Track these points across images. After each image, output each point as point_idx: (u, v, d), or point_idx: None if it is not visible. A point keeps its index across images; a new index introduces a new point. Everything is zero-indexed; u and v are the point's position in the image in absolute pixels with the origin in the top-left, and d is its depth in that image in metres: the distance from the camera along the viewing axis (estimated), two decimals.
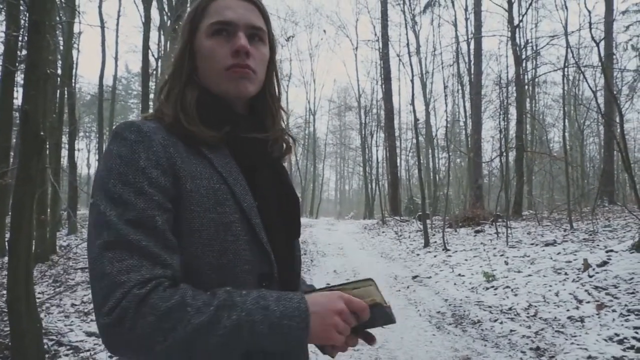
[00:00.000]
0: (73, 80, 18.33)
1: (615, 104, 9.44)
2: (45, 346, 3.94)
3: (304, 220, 26.79)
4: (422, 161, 18.12)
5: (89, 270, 0.74)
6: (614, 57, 18.10)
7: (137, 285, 0.69)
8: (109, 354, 4.08)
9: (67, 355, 4.07)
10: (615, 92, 13.58)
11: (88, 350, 4.16)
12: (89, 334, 4.61)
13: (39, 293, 6.37)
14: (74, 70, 18.98)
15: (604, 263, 5.35)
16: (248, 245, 0.81)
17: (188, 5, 10.74)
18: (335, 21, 52.00)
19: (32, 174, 3.65)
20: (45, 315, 5.23)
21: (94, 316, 0.79)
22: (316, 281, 7.41)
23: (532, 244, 8.66)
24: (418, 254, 10.10)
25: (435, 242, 11.07)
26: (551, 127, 27.85)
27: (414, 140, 16.40)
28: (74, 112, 15.32)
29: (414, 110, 12.14)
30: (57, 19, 11.42)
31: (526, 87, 19.06)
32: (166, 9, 18.49)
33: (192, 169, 0.80)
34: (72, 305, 6.00)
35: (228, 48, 0.85)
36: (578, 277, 5.46)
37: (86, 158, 43.54)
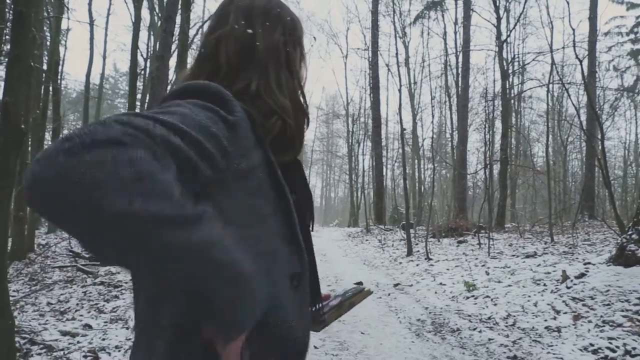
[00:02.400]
0: (59, 77, 18.12)
1: (597, 121, 9.67)
2: (17, 344, 3.85)
3: None
4: (407, 171, 18.26)
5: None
6: (597, 76, 18.54)
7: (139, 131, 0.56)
8: (83, 354, 4.00)
9: (39, 354, 3.98)
10: (597, 110, 13.88)
11: (62, 350, 4.08)
12: (64, 333, 4.52)
13: (13, 291, 6.24)
14: (60, 67, 18.77)
15: (582, 275, 5.43)
16: (283, 241, 0.78)
17: (179, 5, 10.71)
18: (327, 30, 52.36)
19: (11, 167, 3.59)
20: (19, 314, 5.12)
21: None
22: None
23: (513, 256, 8.75)
24: (401, 263, 10.13)
25: (418, 251, 11.12)
26: (535, 142, 28.34)
27: (400, 150, 16.58)
28: (58, 109, 15.12)
29: (401, 120, 12.27)
30: (45, 14, 11.30)
31: (512, 101, 19.38)
32: (157, 9, 18.44)
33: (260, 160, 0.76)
34: (48, 304, 5.88)
35: None
36: (556, 288, 5.53)
37: None
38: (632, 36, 27.00)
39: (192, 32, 13.93)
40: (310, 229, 0.93)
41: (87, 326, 4.94)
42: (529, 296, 5.57)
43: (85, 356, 4.02)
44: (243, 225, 0.72)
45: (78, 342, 4.39)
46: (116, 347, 4.34)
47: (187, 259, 0.57)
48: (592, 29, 15.99)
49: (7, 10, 7.95)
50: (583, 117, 16.11)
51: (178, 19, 11.08)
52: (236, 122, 0.71)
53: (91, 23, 23.68)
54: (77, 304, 5.93)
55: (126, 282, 6.86)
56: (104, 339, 4.50)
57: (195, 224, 0.57)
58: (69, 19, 15.63)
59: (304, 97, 0.91)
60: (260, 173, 0.76)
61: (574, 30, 8.22)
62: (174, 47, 12.99)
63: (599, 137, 9.26)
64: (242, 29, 0.85)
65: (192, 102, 0.68)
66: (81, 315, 5.40)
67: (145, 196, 0.52)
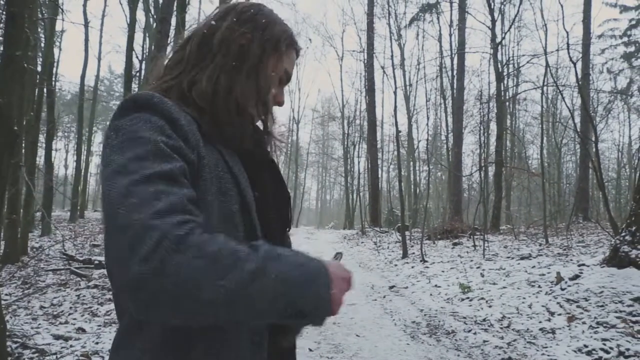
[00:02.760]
0: (53, 79, 18.04)
1: (590, 123, 9.73)
2: (9, 349, 3.82)
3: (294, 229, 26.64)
4: (403, 173, 18.28)
5: (105, 226, 0.64)
6: (591, 78, 18.66)
7: (174, 226, 0.61)
8: (76, 357, 3.97)
9: (31, 358, 3.95)
10: (591, 112, 13.98)
11: (54, 354, 4.04)
12: (57, 337, 4.48)
13: (5, 295, 6.18)
14: (54, 69, 18.69)
15: (576, 277, 5.45)
16: (245, 237, 0.79)
17: (174, 7, 10.69)
18: (322, 32, 52.42)
19: (3, 169, 3.56)
20: (12, 318, 5.07)
21: (117, 274, 0.63)
22: None
23: (508, 257, 8.78)
24: (396, 265, 10.14)
25: (414, 253, 11.13)
26: (530, 144, 28.48)
27: (396, 152, 16.63)
28: (52, 111, 15.04)
29: (396, 122, 12.28)
30: (40, 15, 11.25)
31: (507, 103, 19.47)
32: (152, 11, 18.42)
33: (206, 153, 0.78)
34: (41, 307, 5.83)
35: (274, 92, 0.91)
36: (551, 289, 5.55)
37: (64, 158, 42.72)
38: (625, 39, 27.20)
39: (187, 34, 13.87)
40: (285, 229, 0.95)
41: (81, 330, 4.91)
42: (524, 298, 5.58)
43: None
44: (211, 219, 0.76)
45: (71, 346, 4.36)
46: (110, 351, 4.30)
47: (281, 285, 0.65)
48: (586, 32, 16.11)
49: (0, 11, 7.92)
50: (577, 120, 16.23)
51: (173, 21, 11.06)
52: (182, 127, 0.75)
53: (86, 25, 23.59)
54: (71, 308, 5.89)
55: None
56: (97, 343, 4.46)
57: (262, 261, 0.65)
58: (63, 20, 15.58)
59: (260, 96, 0.88)
60: (220, 172, 0.79)
61: (567, 33, 8.28)
62: (169, 49, 12.95)
63: (593, 139, 9.32)
64: (210, 25, 0.88)
65: (144, 120, 0.73)
66: (74, 319, 5.36)
67: (227, 272, 0.61)
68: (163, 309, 0.60)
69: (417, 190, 25.49)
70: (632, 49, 26.92)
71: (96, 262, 7.97)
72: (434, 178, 30.44)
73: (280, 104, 0.94)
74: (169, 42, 11.63)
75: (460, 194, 18.58)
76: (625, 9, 26.92)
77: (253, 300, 0.63)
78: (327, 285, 0.69)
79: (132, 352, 0.75)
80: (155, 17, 16.39)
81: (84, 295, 6.42)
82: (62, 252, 9.07)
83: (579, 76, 9.57)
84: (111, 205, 0.63)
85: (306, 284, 0.67)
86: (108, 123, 0.76)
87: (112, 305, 5.94)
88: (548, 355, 3.90)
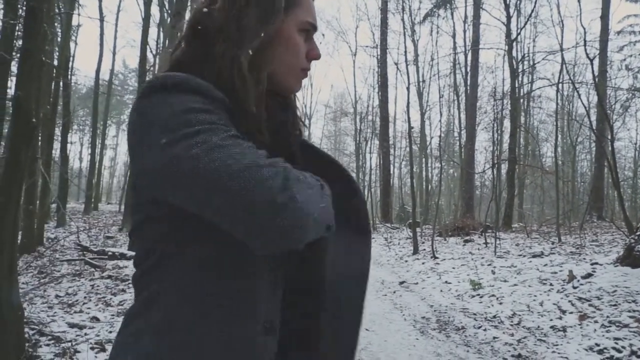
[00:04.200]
0: (69, 73, 18.28)
1: (607, 121, 9.57)
2: (26, 335, 3.91)
3: None
4: (415, 170, 18.21)
5: (203, 184, 0.63)
6: (608, 76, 18.34)
7: (278, 161, 0.66)
8: (90, 345, 4.06)
9: (48, 345, 4.04)
10: (607, 110, 13.76)
11: (69, 341, 4.13)
12: (72, 325, 4.58)
13: (23, 283, 6.32)
14: (70, 63, 18.93)
15: (589, 275, 5.40)
16: None
17: (188, 2, 10.75)
18: (335, 27, 52.21)
19: (21, 160, 3.63)
20: (28, 305, 5.19)
21: (259, 211, 0.63)
22: None
23: (519, 255, 8.71)
24: (406, 261, 10.13)
25: (424, 249, 11.11)
26: (544, 142, 28.11)
27: (408, 149, 16.61)
28: (68, 105, 15.26)
29: (409, 118, 12.24)
30: (57, 10, 11.39)
31: (521, 100, 19.25)
32: (166, 6, 18.52)
33: None
34: (57, 296, 5.95)
35: (304, 50, 0.85)
36: (563, 288, 5.50)
37: (78, 151, 43.30)
38: None
39: None
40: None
41: (95, 319, 5.00)
42: (535, 295, 5.55)
43: (92, 348, 4.07)
44: None
45: (85, 334, 4.45)
46: (122, 323, 4.38)
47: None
48: (604, 28, 15.81)
49: (19, 6, 8.04)
50: (593, 117, 15.99)
51: (187, 16, 11.13)
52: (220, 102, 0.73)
53: (101, 19, 23.85)
54: (85, 297, 6.00)
55: None
56: (110, 332, 4.54)
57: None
58: (79, 15, 15.77)
59: (292, 65, 0.83)
60: None
61: (584, 29, 8.16)
62: None
63: (609, 137, 9.18)
64: (202, 5, 0.81)
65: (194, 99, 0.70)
66: (89, 308, 5.46)
67: (320, 196, 0.70)
68: (299, 231, 0.64)
69: (429, 187, 25.39)
70: None
71: (110, 253, 8.10)
72: (446, 175, 30.28)
73: (317, 57, 0.87)
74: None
75: (472, 191, 18.46)
76: None
77: (328, 214, 0.70)
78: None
79: (144, 326, 0.75)
80: (169, 11, 16.48)
81: (98, 286, 6.53)
82: (76, 243, 9.22)
83: (596, 73, 9.43)
84: (218, 171, 0.62)
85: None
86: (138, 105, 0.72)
87: (125, 296, 6.04)
88: (559, 353, 3.88)
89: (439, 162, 18.03)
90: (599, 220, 15.12)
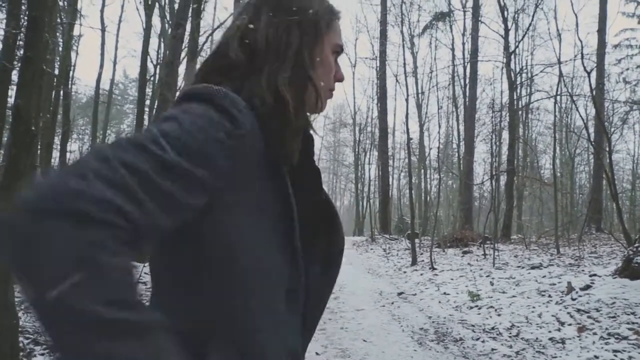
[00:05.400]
0: (70, 82, 18.34)
1: (604, 133, 9.62)
2: (21, 344, 3.88)
3: None
4: (413, 181, 18.23)
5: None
6: (606, 88, 18.46)
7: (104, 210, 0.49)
8: None
9: (42, 354, 4.01)
10: (605, 123, 13.83)
11: None
12: None
13: (19, 291, 6.28)
14: (71, 72, 19.00)
15: (587, 287, 5.39)
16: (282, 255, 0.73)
17: (189, 13, 10.86)
18: None
19: (21, 169, 3.64)
20: (24, 314, 5.15)
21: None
22: None
23: (518, 267, 8.70)
24: (405, 272, 10.10)
25: (423, 260, 11.08)
26: (542, 154, 28.18)
27: (407, 160, 16.67)
28: (68, 113, 15.27)
29: (408, 129, 12.28)
30: (59, 20, 11.48)
31: (519, 112, 19.35)
32: (167, 17, 18.67)
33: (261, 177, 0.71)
34: None
35: (333, 72, 0.86)
36: (561, 299, 5.49)
37: None
38: None
39: (201, 40, 14.10)
40: (333, 247, 0.89)
41: None
42: (534, 307, 5.53)
43: None
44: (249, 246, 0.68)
45: None
46: None
47: None
48: (601, 42, 15.98)
49: (22, 16, 8.10)
50: (591, 130, 16.05)
51: (188, 27, 11.21)
52: (240, 135, 0.66)
53: (103, 30, 23.99)
54: None
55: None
56: None
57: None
58: (81, 25, 15.88)
59: (313, 84, 0.79)
60: (267, 181, 0.71)
61: (582, 42, 8.26)
62: (183, 54, 13.14)
63: (607, 149, 9.22)
64: (247, 21, 0.80)
65: (198, 114, 0.64)
66: None
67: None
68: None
69: (428, 198, 25.39)
70: None
71: None
72: (444, 186, 30.28)
73: (341, 79, 0.87)
74: (183, 47, 11.82)
75: (471, 202, 18.47)
76: None
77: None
78: None
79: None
80: (170, 22, 16.62)
81: None
82: None
83: (593, 86, 9.51)
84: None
85: None
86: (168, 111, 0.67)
87: None
88: None
89: (438, 174, 18.07)
90: (598, 232, 15.12)
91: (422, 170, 25.83)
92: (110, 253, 0.48)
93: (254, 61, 0.76)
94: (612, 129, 20.27)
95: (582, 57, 8.28)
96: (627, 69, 26.20)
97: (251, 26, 0.79)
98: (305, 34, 0.79)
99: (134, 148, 0.56)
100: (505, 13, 14.82)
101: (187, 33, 11.39)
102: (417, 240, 12.82)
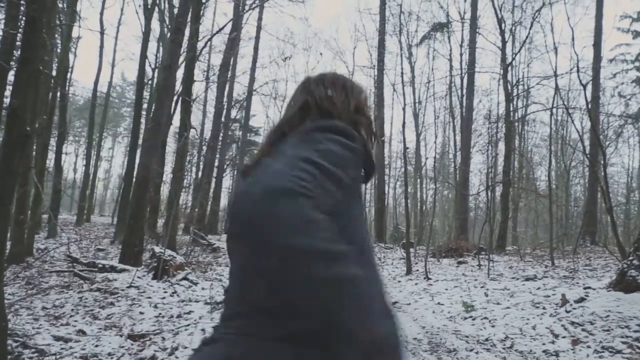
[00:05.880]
0: (67, 83, 18.31)
1: (599, 146, 9.67)
2: (9, 347, 3.82)
3: None
4: (409, 190, 18.24)
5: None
6: (601, 102, 18.60)
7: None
8: (75, 359, 3.97)
9: (31, 358, 3.95)
10: (600, 136, 13.92)
11: (54, 354, 4.04)
12: (57, 338, 4.48)
13: (9, 294, 6.20)
14: (69, 74, 18.98)
15: (582, 299, 5.38)
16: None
17: (189, 18, 10.87)
18: (334, 47, 52.75)
19: (14, 168, 3.61)
20: (14, 317, 5.09)
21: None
22: None
23: (512, 278, 8.68)
24: (399, 281, 10.06)
25: (418, 270, 11.05)
26: (538, 166, 28.32)
27: (403, 169, 16.67)
28: (64, 115, 15.26)
29: (404, 139, 12.30)
30: (57, 21, 11.48)
31: (516, 124, 19.44)
32: (167, 21, 18.71)
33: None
34: (43, 308, 5.84)
35: None
36: (556, 312, 5.47)
37: (73, 162, 43.07)
38: (637, 64, 27.19)
39: (200, 45, 14.15)
40: None
41: (81, 332, 4.90)
42: (528, 319, 5.51)
43: None
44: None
45: (71, 347, 4.35)
46: (109, 354, 4.29)
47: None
48: (597, 56, 16.10)
49: (20, 16, 8.09)
50: (586, 143, 16.15)
51: (187, 32, 11.24)
52: (358, 150, 0.94)
53: (102, 32, 24.01)
54: (72, 310, 5.88)
55: (122, 290, 6.83)
56: (97, 346, 4.45)
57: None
58: (80, 27, 15.87)
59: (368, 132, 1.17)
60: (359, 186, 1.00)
61: (577, 55, 8.32)
62: (181, 58, 13.15)
63: (602, 162, 9.27)
64: (325, 92, 1.12)
65: (336, 140, 0.91)
66: (75, 321, 5.35)
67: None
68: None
69: (424, 208, 25.41)
70: None
71: (100, 265, 7.99)
72: (440, 196, 30.32)
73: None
74: (182, 51, 11.83)
75: (466, 212, 18.48)
76: (637, 34, 26.98)
77: None
78: None
79: None
80: (169, 27, 16.65)
81: (86, 298, 6.42)
82: (66, 254, 9.10)
83: (589, 99, 9.58)
84: None
85: None
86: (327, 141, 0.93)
87: (113, 309, 5.94)
88: None
89: (434, 184, 18.10)
90: (592, 244, 15.15)
91: (419, 180, 25.87)
92: (315, 211, 0.71)
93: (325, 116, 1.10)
94: (607, 142, 20.43)
95: (578, 70, 8.35)
96: (622, 83, 26.46)
97: (330, 93, 1.13)
98: (356, 103, 1.18)
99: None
100: (503, 25, 14.95)
101: (185, 38, 11.42)
102: (412, 250, 12.79)
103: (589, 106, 9.37)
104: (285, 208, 0.68)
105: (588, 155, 12.06)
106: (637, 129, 28.47)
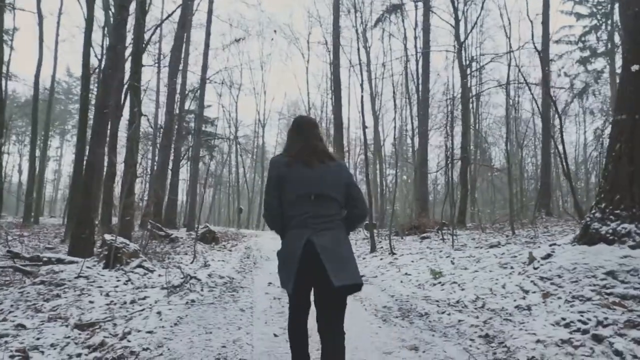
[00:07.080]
0: (4, 79, 17.02)
1: (553, 104, 9.79)
2: None
3: (249, 231, 26.11)
4: (369, 172, 18.17)
5: None
6: (552, 81, 19.17)
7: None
8: (10, 353, 3.52)
9: None
10: (552, 96, 14.26)
11: None
12: None
13: None
14: (5, 68, 17.64)
15: (548, 256, 5.35)
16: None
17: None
18: (288, 33, 51.97)
19: None
20: None
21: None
22: (258, 281, 7.01)
23: (477, 247, 8.70)
24: (364, 258, 9.92)
25: (382, 247, 10.96)
26: (493, 145, 29.12)
27: (363, 156, 16.53)
28: (3, 112, 14.11)
29: (363, 117, 12.11)
30: None
31: (471, 103, 19.75)
32: (112, 9, 17.70)
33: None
34: None
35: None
36: (523, 270, 5.43)
37: (17, 164, 40.54)
38: (580, 44, 28.31)
39: (148, 34, 13.44)
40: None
41: (20, 326, 4.41)
42: (497, 279, 5.44)
43: (12, 356, 3.54)
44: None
45: (6, 342, 3.89)
46: (52, 345, 3.87)
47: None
48: (545, 32, 16.53)
49: None
50: (537, 121, 16.57)
51: (132, 9, 10.56)
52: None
53: (40, 22, 22.54)
54: (12, 305, 5.33)
55: (69, 281, 6.29)
56: (38, 338, 4.01)
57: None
58: (14, 9, 14.68)
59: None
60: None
61: (531, 22, 8.31)
62: (128, 39, 12.40)
63: (558, 126, 9.42)
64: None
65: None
66: (15, 316, 4.83)
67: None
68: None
69: (384, 192, 25.50)
70: (587, 53, 28.06)
71: (45, 259, 7.37)
72: (400, 181, 30.58)
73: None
74: (127, 30, 11.12)
75: (426, 192, 18.63)
76: (580, 16, 28.06)
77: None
78: None
79: None
80: (113, 12, 15.77)
81: (28, 292, 5.85)
82: (6, 249, 8.36)
83: (542, 61, 9.65)
84: None
85: None
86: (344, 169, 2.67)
87: (59, 301, 5.43)
88: (526, 330, 3.72)
89: (395, 166, 18.06)
90: (547, 215, 15.61)
91: (377, 165, 25.92)
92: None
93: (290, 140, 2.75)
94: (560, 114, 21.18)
95: (533, 37, 8.39)
96: (568, 62, 27.51)
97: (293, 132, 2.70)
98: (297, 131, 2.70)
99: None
100: (456, 3, 15.01)
101: (131, 14, 10.70)
102: (375, 231, 12.70)
103: (545, 70, 9.48)
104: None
105: (541, 113, 12.23)
106: (581, 107, 29.82)
